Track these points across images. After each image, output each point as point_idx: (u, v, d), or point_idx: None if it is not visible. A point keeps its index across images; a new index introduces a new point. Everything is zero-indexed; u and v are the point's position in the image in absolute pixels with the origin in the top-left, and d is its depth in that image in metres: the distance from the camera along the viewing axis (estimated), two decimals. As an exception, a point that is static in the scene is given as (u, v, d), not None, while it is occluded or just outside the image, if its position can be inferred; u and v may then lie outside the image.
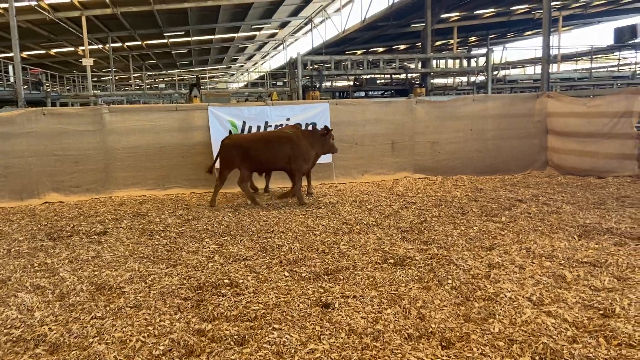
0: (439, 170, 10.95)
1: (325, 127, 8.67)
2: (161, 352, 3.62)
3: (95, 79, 34.68)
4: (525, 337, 3.66)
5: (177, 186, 9.93)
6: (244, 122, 10.03)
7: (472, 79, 21.10)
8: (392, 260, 5.32)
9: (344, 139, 10.41)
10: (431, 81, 20.84)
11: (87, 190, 9.52)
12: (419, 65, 19.91)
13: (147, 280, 4.95)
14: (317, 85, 18.54)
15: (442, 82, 33.89)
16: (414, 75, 21.01)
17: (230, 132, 9.94)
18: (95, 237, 6.66)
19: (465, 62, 19.69)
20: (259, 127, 10.05)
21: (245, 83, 43.78)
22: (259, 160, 8.20)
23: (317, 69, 18.39)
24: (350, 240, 6.14)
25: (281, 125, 10.16)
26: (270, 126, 10.10)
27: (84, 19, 21.24)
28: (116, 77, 34.69)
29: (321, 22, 29.77)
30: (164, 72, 38.60)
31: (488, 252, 5.52)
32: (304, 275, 5.00)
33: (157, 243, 6.29)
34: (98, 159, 9.58)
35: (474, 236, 6.15)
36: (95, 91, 26.35)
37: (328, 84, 30.66)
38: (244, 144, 8.18)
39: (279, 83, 29.88)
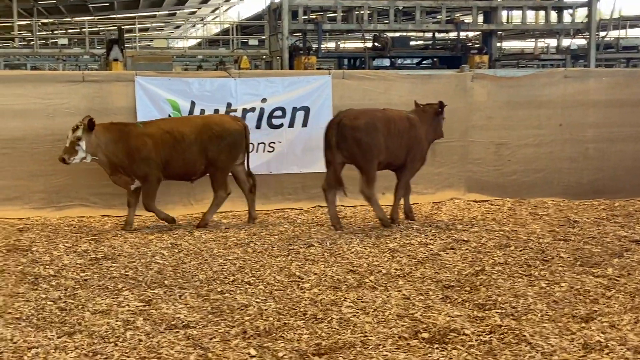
0: (507, 189, 10.99)
1: (441, 102, 9.51)
2: None
3: (-44, 27, 34.78)
4: None
5: (81, 204, 9.92)
6: (193, 103, 10.08)
7: (565, 42, 21.25)
8: (426, 335, 5.29)
9: (355, 134, 10.49)
10: (498, 44, 20.99)
11: None
12: (479, 18, 19.99)
13: (26, 358, 4.90)
14: (314, 46, 18.62)
15: (516, 46, 34.12)
16: (471, 34, 21.15)
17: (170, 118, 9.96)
18: (-57, 284, 6.59)
19: (554, 15, 19.84)
20: (216, 112, 10.08)
21: (198, 41, 43.89)
22: (390, 154, 9.09)
23: (314, 21, 18.50)
24: (358, 299, 6.10)
25: (252, 109, 10.20)
26: (236, 110, 10.15)
27: None
28: (-11, 26, 34.66)
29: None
30: (68, 19, 38.56)
31: (584, 324, 5.50)
32: (281, 355, 4.95)
33: (44, 296, 6.24)
34: (-47, 156, 9.60)
35: (561, 298, 6.12)
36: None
37: (331, 45, 30.87)
38: (385, 123, 9.04)
39: (253, 42, 29.99)
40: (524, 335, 5.20)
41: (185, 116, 9.83)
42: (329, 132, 8.89)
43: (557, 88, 11.17)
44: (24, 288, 6.49)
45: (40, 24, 32.05)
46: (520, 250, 7.78)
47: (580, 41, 21.08)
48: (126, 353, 4.96)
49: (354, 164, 8.97)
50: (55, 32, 35.51)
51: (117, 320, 5.61)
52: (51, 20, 36.05)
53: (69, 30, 39.67)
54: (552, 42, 25.85)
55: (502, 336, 5.23)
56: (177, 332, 5.40)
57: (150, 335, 5.31)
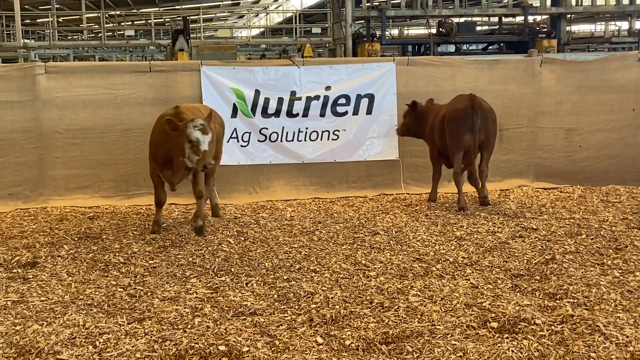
0: (577, 176, 10.81)
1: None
2: None
3: (28, 20, 35.81)
4: None
5: (149, 192, 9.99)
6: (257, 92, 10.17)
7: (638, 24, 20.59)
8: (495, 324, 5.23)
9: (420, 121, 10.44)
10: (567, 28, 20.49)
11: (8, 196, 9.83)
12: (547, 1, 19.58)
13: (97, 343, 5.02)
14: (377, 33, 18.54)
15: (585, 29, 33.25)
16: (538, 18, 20.70)
17: (235, 106, 10.05)
18: (19, 270, 6.82)
19: (625, -3, 19.26)
20: (280, 100, 10.14)
21: (261, 30, 44.26)
22: (479, 138, 9.34)
23: (378, 7, 18.41)
24: (425, 287, 6.09)
25: (317, 97, 10.21)
26: (300, 98, 10.19)
27: None
28: (59, 19, 35.57)
29: None
30: (134, 11, 39.36)
31: (660, 315, 5.35)
32: (348, 344, 4.96)
33: (114, 283, 6.39)
34: (26, 147, 9.87)
35: (635, 288, 5.98)
36: (26, 40, 27.10)
37: (395, 31, 30.70)
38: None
39: (316, 30, 30.06)
40: (597, 326, 5.09)
41: (190, 104, 9.05)
42: (473, 115, 8.95)
43: (630, 72, 10.95)
44: (95, 275, 6.67)
45: (107, 16, 32.80)
46: (591, 239, 7.63)
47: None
48: (195, 339, 5.03)
49: (484, 145, 9.22)
50: (122, 23, 36.27)
51: (185, 307, 5.71)
52: (118, 12, 36.82)
53: (135, 22, 40.49)
54: (624, 25, 25.14)
55: (574, 326, 5.14)
56: (245, 319, 5.46)
57: (218, 322, 5.39)
